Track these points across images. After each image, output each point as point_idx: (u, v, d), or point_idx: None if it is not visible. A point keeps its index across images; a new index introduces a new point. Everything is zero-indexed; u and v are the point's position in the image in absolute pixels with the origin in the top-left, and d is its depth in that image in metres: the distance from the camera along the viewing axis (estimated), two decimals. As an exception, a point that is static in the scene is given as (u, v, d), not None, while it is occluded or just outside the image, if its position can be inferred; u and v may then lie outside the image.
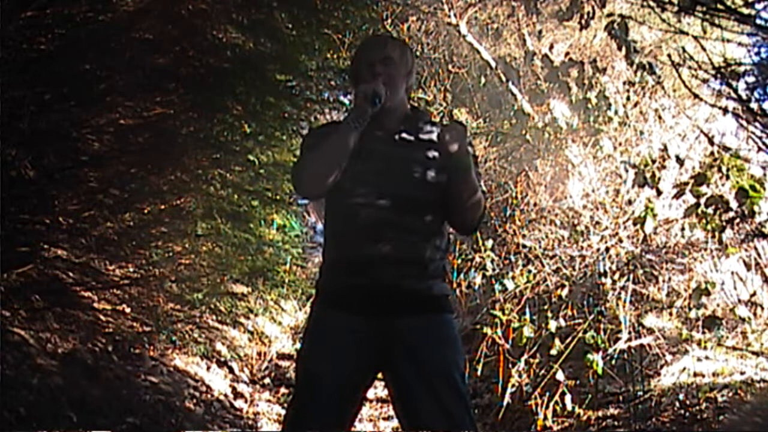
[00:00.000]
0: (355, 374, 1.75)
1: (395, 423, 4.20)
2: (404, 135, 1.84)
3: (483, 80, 5.47)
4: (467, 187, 1.77)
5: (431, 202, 1.80)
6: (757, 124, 2.44)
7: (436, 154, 1.80)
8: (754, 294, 3.77)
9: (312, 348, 1.80)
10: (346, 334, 1.74)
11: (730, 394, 3.37)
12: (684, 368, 3.75)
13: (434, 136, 1.84)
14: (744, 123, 2.56)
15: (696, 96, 2.86)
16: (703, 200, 3.21)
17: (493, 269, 4.32)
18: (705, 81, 2.69)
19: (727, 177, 3.19)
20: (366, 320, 1.73)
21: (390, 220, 1.75)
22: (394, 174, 1.78)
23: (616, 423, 3.60)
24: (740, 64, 2.53)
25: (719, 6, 2.29)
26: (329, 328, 1.78)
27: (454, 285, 4.81)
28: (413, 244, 1.77)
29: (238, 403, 4.60)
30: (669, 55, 2.99)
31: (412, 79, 1.96)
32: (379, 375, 1.82)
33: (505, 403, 3.91)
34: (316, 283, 1.87)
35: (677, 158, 3.50)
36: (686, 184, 3.28)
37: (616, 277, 3.84)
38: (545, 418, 3.68)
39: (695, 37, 2.59)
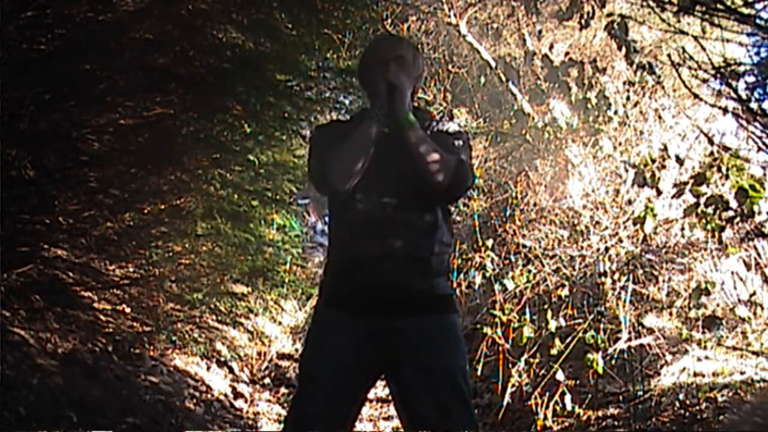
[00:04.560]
0: (356, 375, 1.75)
1: (395, 423, 4.21)
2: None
3: (483, 80, 5.47)
4: (413, 144, 1.75)
5: (434, 198, 1.80)
6: (757, 124, 2.44)
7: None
8: (754, 294, 3.76)
9: (314, 348, 1.80)
10: (348, 334, 1.74)
11: (730, 394, 3.37)
12: (684, 368, 3.74)
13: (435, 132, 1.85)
14: (744, 123, 2.56)
15: (696, 96, 2.86)
16: (702, 200, 3.21)
17: (493, 269, 4.32)
18: (705, 81, 2.69)
19: (727, 177, 3.18)
20: (368, 321, 1.73)
21: (392, 218, 1.76)
22: (396, 172, 1.77)
23: (616, 423, 3.59)
24: (740, 64, 2.53)
25: (719, 6, 2.29)
26: (331, 329, 1.78)
27: (454, 285, 4.81)
28: (416, 240, 1.77)
29: (238, 403, 4.60)
30: (669, 55, 2.99)
31: (420, 82, 1.98)
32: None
33: (505, 403, 3.91)
34: (321, 283, 1.88)
35: (677, 158, 3.50)
36: (686, 183, 3.27)
37: (616, 277, 3.83)
38: (545, 418, 3.68)
39: (695, 37, 2.59)
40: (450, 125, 1.89)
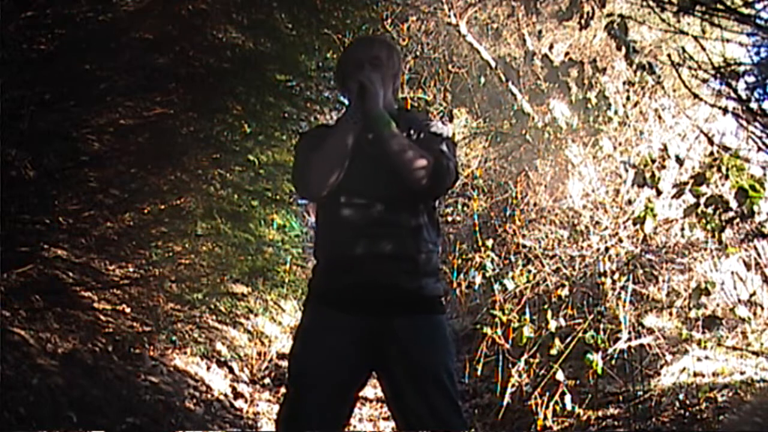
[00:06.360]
0: (346, 373, 1.75)
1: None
2: None
3: (483, 80, 5.47)
4: (389, 144, 1.76)
5: (416, 197, 1.81)
6: (757, 124, 2.44)
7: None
8: (754, 294, 3.77)
9: (303, 347, 1.80)
10: (337, 333, 1.75)
11: (730, 394, 3.38)
12: (684, 368, 3.75)
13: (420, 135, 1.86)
14: (744, 123, 2.56)
15: (696, 96, 2.86)
16: (702, 200, 3.21)
17: (493, 269, 4.32)
18: (705, 81, 2.69)
19: (727, 177, 3.18)
20: (357, 319, 1.73)
21: (377, 218, 1.77)
22: (380, 173, 1.77)
23: (616, 423, 3.60)
24: (740, 64, 2.53)
25: (719, 6, 2.29)
26: (321, 327, 1.78)
27: (454, 285, 4.82)
28: (401, 240, 1.77)
29: (238, 403, 4.60)
30: (669, 55, 2.99)
31: (398, 80, 1.98)
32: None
33: (505, 403, 3.91)
34: (309, 282, 1.88)
35: (677, 158, 3.50)
36: (686, 184, 3.28)
37: (616, 277, 3.84)
38: (545, 418, 3.68)
39: (695, 37, 2.59)
40: (434, 125, 1.89)
